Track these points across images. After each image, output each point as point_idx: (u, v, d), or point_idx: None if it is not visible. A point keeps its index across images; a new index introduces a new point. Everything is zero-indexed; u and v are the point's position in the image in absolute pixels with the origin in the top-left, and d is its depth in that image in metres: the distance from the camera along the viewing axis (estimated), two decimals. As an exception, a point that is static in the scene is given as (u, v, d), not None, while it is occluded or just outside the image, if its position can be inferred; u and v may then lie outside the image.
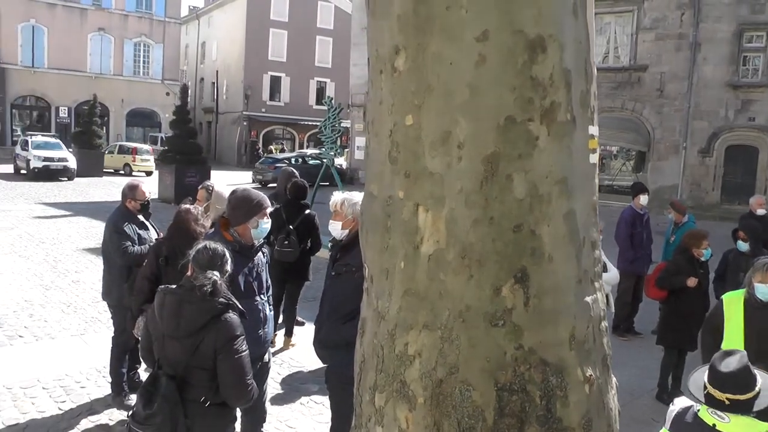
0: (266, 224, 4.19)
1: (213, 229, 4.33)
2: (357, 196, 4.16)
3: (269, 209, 4.23)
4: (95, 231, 15.54)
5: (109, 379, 6.03)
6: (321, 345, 4.38)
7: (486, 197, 1.84)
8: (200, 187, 5.78)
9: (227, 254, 3.40)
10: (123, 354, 5.87)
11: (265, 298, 4.27)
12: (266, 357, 4.33)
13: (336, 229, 4.15)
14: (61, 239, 14.39)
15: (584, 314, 1.98)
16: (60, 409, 5.78)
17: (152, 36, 46.56)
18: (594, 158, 2.01)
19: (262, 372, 4.30)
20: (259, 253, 4.24)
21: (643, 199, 8.79)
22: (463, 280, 1.90)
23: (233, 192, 4.29)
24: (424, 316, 1.96)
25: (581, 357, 1.95)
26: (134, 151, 33.88)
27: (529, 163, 1.83)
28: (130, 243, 5.62)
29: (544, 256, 1.88)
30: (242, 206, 4.12)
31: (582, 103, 1.92)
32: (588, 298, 1.99)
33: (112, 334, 5.99)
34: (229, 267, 3.39)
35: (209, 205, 5.55)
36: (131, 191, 5.82)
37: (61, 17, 43.10)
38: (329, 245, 4.50)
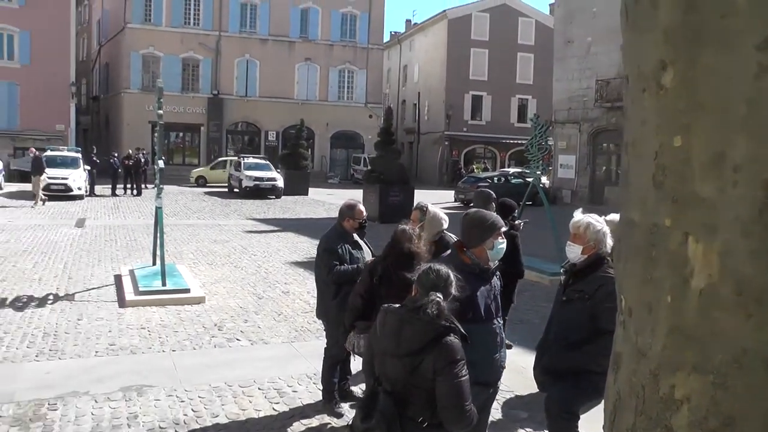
0: (501, 245, 4.11)
1: (449, 252, 4.35)
2: (601, 222, 3.99)
3: (503, 229, 4.16)
4: (302, 246, 16.50)
5: (320, 387, 6.28)
6: (544, 371, 4.26)
7: (766, 226, 1.64)
8: (414, 207, 5.86)
9: (452, 277, 3.38)
10: (335, 365, 6.08)
11: (501, 322, 4.21)
12: (498, 382, 4.26)
13: (575, 252, 4.00)
14: (270, 252, 15.41)
15: None
16: (274, 409, 6.14)
17: (356, 62, 48.84)
18: None
19: (491, 397, 4.22)
20: (494, 276, 4.18)
21: None
22: (739, 320, 1.70)
23: (466, 214, 4.26)
24: (694, 357, 1.77)
25: None
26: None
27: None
28: (338, 262, 5.78)
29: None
30: (477, 227, 4.08)
31: None
32: None
33: (325, 345, 6.22)
34: (453, 290, 3.37)
35: (423, 225, 5.60)
36: (349, 210, 5.98)
37: (271, 51, 46.74)
38: (562, 269, 4.35)
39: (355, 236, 6.03)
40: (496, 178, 32.06)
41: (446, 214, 6.04)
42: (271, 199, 30.68)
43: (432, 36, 52.71)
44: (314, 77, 48.06)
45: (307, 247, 16.04)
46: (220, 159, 40.25)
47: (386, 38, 57.18)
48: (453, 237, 5.71)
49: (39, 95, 38.55)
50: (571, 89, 32.73)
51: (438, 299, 3.26)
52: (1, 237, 16.29)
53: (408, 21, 64.66)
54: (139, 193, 29.95)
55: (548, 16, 48.38)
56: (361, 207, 6.08)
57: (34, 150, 26.83)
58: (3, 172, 30.38)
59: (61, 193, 26.36)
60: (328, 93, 48.49)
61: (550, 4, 48.02)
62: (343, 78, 49.07)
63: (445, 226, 5.71)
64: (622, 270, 1.99)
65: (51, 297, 10.39)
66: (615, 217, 5.10)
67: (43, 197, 23.84)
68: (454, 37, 49.54)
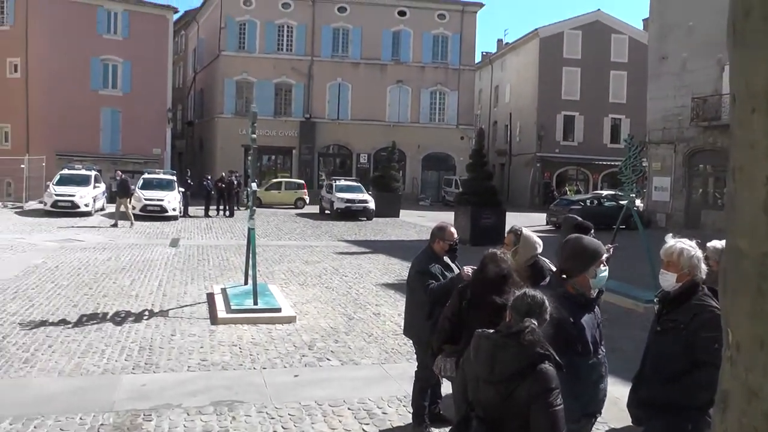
0: (604, 272, 4.00)
1: (549, 280, 4.26)
2: (694, 247, 3.82)
3: (605, 256, 4.06)
4: (393, 268, 16.54)
5: (410, 409, 6.24)
6: (640, 405, 4.12)
7: None
8: (508, 231, 5.77)
9: (547, 303, 3.34)
10: (425, 388, 6.05)
11: (604, 351, 4.12)
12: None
13: (668, 281, 3.84)
14: (361, 274, 15.53)
15: None
16: (364, 430, 6.15)
17: (447, 84, 48.94)
18: None
19: (592, 426, 4.14)
20: (597, 304, 4.11)
21: None
22: None
23: (566, 241, 4.18)
24: (811, 398, 1.65)
25: None
26: (305, 186, 38.55)
27: None
28: (434, 281, 5.75)
29: None
30: (579, 256, 3.99)
31: None
32: None
33: (415, 369, 6.21)
34: (548, 316, 3.35)
35: (516, 250, 5.50)
36: (440, 232, 5.99)
37: (363, 74, 47.45)
38: (655, 298, 4.19)
39: (446, 259, 6.02)
40: (588, 201, 31.33)
41: (539, 237, 5.93)
42: (362, 221, 31.02)
43: (523, 55, 52.28)
44: (406, 99, 48.45)
45: (399, 269, 16.11)
46: (274, 180, 41.01)
47: (477, 59, 57.18)
48: (547, 261, 5.61)
49: (138, 121, 40.67)
50: (666, 108, 31.63)
51: (533, 326, 3.23)
52: (104, 255, 17.15)
53: (499, 41, 64.28)
54: (231, 215, 30.86)
55: (642, 32, 46.98)
56: (452, 229, 6.05)
57: (120, 173, 28.21)
58: (105, 194, 31.95)
59: (156, 214, 27.59)
60: (419, 115, 48.74)
61: (643, 20, 46.68)
62: (435, 99, 49.25)
63: (539, 250, 5.60)
64: (729, 302, 1.87)
65: (147, 313, 10.83)
66: (717, 244, 4.87)
67: (130, 216, 24.70)
68: (545, 56, 48.94)
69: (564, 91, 49.27)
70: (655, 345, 3.97)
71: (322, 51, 47.18)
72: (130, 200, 25.79)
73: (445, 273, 5.86)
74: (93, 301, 11.53)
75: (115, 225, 24.25)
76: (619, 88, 49.65)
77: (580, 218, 7.94)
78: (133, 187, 27.55)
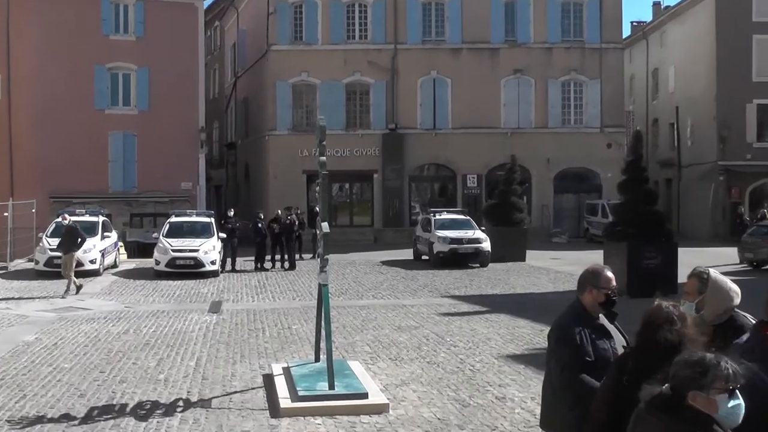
0: None
1: (748, 336, 4.18)
2: None
3: None
4: (521, 333, 16.56)
5: None
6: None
7: None
8: (690, 274, 5.66)
9: (724, 367, 3.39)
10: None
11: None
12: None
13: None
14: (477, 342, 15.54)
15: None
16: None
17: (584, 70, 48.46)
18: None
19: None
20: None
21: None
22: None
23: None
24: None
25: None
26: None
27: None
28: (581, 365, 5.67)
29: None
30: None
31: None
32: None
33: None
34: (725, 384, 3.39)
35: (703, 299, 5.40)
36: (593, 277, 5.90)
37: (466, 64, 47.51)
38: None
39: (602, 318, 5.94)
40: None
41: (734, 282, 5.79)
42: (474, 268, 31.05)
43: (692, 22, 51.36)
44: (527, 96, 48.04)
45: (529, 334, 16.06)
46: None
47: (626, 32, 56.47)
48: (748, 317, 5.45)
49: (160, 147, 41.37)
50: None
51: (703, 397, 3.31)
52: (119, 327, 17.67)
53: (656, 4, 63.29)
54: (292, 267, 31.41)
55: None
56: (609, 273, 5.97)
57: (67, 217, 27.04)
58: (118, 246, 32.91)
59: (189, 270, 28.24)
60: (547, 116, 48.24)
61: None
62: (568, 94, 48.72)
63: (737, 301, 5.46)
64: None
65: (181, 403, 11.06)
66: None
67: (77, 282, 23.92)
68: (725, 21, 47.71)
69: (756, 70, 48.03)
70: None
71: (408, 36, 47.62)
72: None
73: (597, 342, 5.70)
74: (106, 390, 11.83)
75: (68, 293, 23.28)
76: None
77: None
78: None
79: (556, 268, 29.36)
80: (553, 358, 5.89)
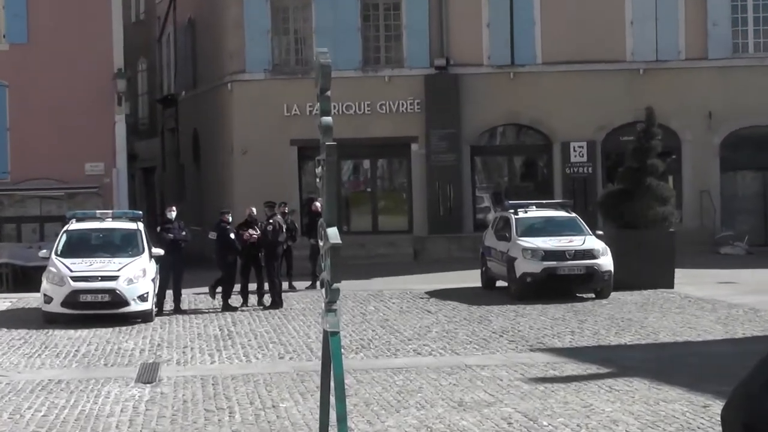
0: None
1: None
2: None
3: None
4: (670, 411, 16.85)
5: None
6: None
7: None
8: None
9: None
10: None
11: None
12: None
13: None
14: (595, 429, 15.48)
15: None
16: None
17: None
18: None
19: None
20: None
21: None
22: None
23: None
24: None
25: None
26: None
27: None
28: None
29: None
30: None
31: None
32: None
33: None
34: None
35: None
36: None
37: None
38: None
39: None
40: None
41: None
42: (586, 300, 31.37)
43: None
44: (671, 6, 47.87)
45: (684, 414, 15.91)
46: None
47: None
48: None
49: (48, 105, 41.82)
50: None
51: None
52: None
53: None
54: (276, 303, 31.61)
55: None
56: None
57: None
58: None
59: (103, 310, 28.40)
60: (706, 41, 48.01)
61: None
62: (744, 1, 48.37)
63: None
64: None
65: None
66: None
67: None
68: None
69: None
70: None
71: None
72: None
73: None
74: None
75: None
76: None
77: None
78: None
79: (729, 299, 29.29)
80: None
